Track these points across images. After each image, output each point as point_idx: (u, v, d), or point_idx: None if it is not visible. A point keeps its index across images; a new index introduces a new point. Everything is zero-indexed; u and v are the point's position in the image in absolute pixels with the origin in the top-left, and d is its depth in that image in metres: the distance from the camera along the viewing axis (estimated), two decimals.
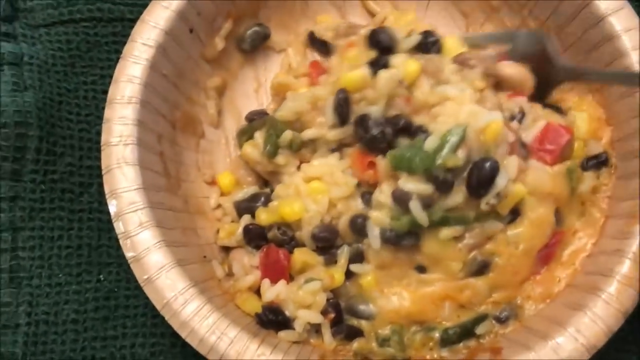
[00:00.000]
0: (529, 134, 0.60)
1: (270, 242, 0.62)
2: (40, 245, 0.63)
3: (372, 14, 0.72)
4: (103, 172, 0.57)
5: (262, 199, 0.64)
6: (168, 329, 0.61)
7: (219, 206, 0.67)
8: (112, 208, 0.56)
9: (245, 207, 0.64)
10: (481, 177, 0.55)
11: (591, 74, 0.64)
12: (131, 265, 0.55)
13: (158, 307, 0.54)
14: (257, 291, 0.61)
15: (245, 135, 0.66)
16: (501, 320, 0.60)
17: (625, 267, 0.55)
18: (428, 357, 0.59)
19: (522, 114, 0.61)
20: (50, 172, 0.65)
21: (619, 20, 0.61)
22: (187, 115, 0.67)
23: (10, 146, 0.63)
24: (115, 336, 0.62)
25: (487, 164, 0.55)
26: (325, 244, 0.60)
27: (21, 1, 0.69)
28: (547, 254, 0.61)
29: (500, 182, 0.56)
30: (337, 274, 0.60)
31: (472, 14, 0.72)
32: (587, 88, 0.66)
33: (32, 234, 0.63)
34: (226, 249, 0.65)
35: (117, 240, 0.56)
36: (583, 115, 0.64)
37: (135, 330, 0.63)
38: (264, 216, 0.62)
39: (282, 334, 0.58)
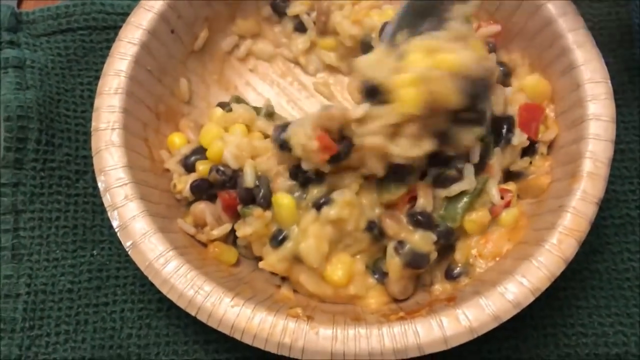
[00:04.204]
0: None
1: (213, 185, 0.65)
2: (39, 226, 0.68)
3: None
4: (93, 154, 0.62)
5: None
6: (155, 295, 0.66)
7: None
8: (101, 184, 0.61)
9: (188, 162, 0.67)
10: None
11: None
12: (117, 233, 0.60)
13: (142, 267, 0.58)
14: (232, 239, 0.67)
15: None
16: (453, 277, 0.64)
17: (567, 219, 0.59)
18: (388, 310, 0.63)
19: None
20: (49, 160, 0.71)
21: (555, 7, 0.67)
22: (171, 109, 0.72)
23: (13, 137, 0.69)
24: (106, 303, 0.66)
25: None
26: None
27: (24, 14, 0.76)
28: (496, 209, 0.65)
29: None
30: None
31: None
32: (534, 67, 0.71)
33: (32, 215, 0.69)
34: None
35: (109, 220, 0.60)
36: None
37: (125, 297, 0.67)
38: (202, 167, 0.66)
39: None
